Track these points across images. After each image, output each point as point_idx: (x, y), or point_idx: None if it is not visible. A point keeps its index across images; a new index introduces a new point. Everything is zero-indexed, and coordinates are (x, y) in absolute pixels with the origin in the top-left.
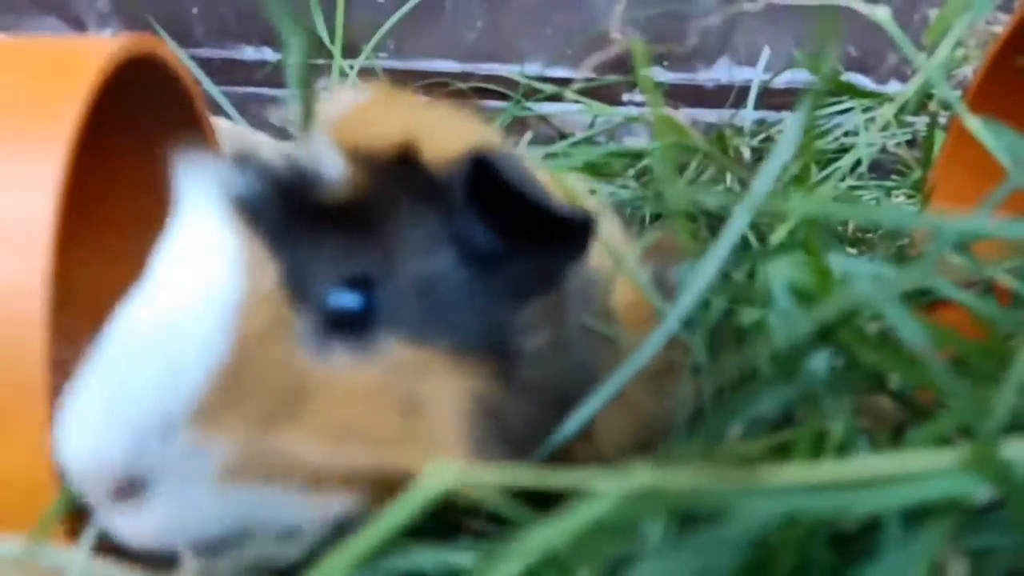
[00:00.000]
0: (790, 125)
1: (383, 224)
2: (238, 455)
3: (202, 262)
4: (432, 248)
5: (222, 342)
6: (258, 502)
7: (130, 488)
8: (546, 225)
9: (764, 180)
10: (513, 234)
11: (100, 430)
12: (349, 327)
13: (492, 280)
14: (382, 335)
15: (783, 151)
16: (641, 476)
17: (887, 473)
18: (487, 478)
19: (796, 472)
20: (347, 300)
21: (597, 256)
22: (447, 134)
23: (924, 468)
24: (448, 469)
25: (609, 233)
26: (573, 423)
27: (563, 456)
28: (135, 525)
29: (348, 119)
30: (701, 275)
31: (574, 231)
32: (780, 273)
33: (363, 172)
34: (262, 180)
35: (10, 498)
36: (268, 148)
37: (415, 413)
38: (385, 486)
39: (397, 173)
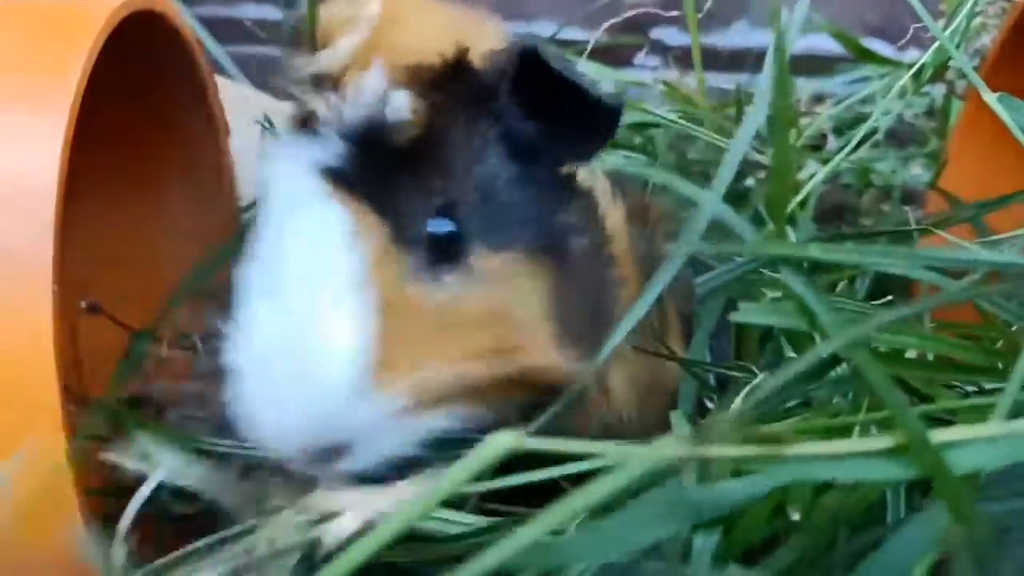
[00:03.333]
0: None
1: (445, 140)
2: (412, 393)
3: (326, 239)
4: (487, 152)
5: (368, 302)
6: (434, 428)
7: (336, 451)
8: (582, 110)
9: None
10: (552, 122)
11: (304, 410)
12: (448, 253)
13: (536, 175)
14: (471, 251)
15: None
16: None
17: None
18: (540, 446)
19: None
20: (441, 227)
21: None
22: (477, 34)
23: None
24: (508, 438)
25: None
26: (622, 329)
27: (586, 405)
28: (343, 477)
29: (379, 37)
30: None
31: (607, 114)
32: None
33: (420, 95)
34: (342, 144)
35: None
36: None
37: (518, 322)
38: (507, 392)
39: (448, 83)
